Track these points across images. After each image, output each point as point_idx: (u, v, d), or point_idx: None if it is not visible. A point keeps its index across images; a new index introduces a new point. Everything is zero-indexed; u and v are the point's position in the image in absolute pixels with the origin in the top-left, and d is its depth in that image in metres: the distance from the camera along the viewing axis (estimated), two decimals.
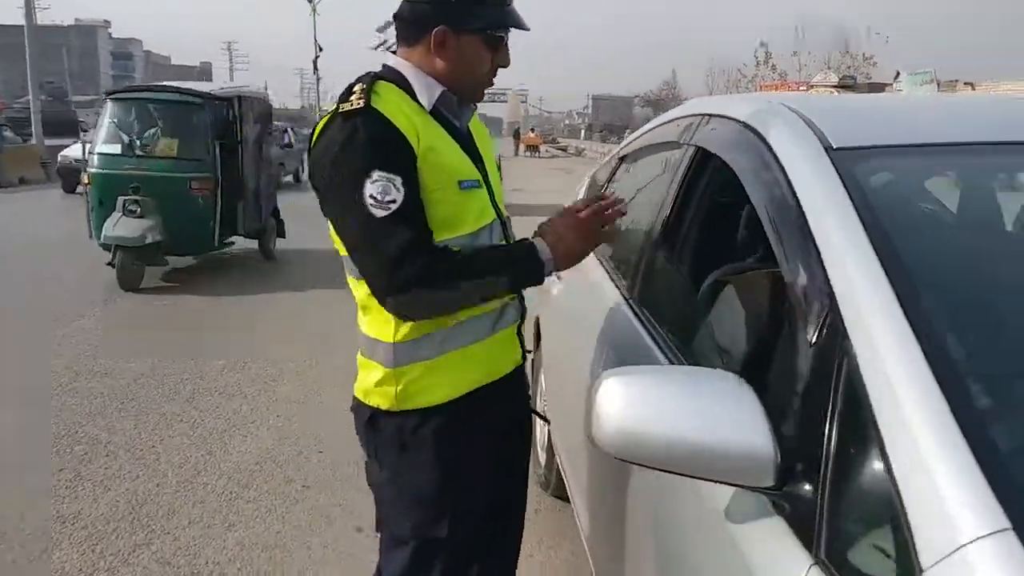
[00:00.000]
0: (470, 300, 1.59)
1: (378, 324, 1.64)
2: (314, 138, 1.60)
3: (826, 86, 32.50)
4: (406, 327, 1.60)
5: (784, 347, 1.20)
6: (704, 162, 1.87)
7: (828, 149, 1.35)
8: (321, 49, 41.23)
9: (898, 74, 27.04)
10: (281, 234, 9.47)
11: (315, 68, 44.06)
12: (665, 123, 2.29)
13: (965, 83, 25.32)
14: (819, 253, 1.18)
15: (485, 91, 1.73)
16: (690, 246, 1.89)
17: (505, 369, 1.73)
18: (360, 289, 1.64)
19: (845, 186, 1.25)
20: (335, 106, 1.58)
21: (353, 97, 1.54)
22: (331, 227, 1.61)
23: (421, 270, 1.48)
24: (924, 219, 1.51)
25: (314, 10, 40.95)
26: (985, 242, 1.47)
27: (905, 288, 1.05)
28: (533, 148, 43.93)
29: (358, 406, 1.74)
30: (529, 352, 1.84)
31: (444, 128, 1.63)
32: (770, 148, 1.45)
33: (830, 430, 1.00)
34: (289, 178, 19.68)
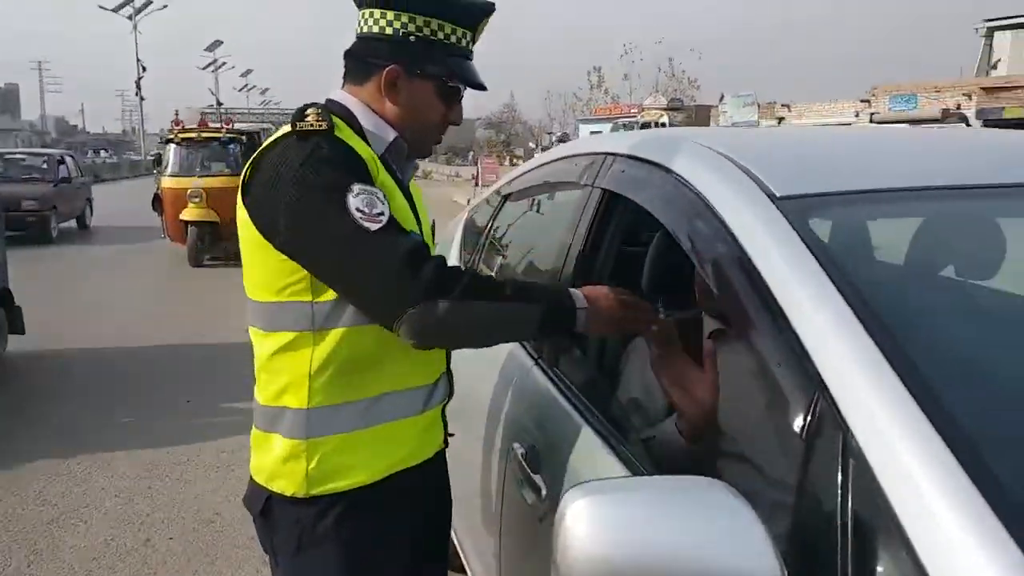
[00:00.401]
0: (495, 332, 1.39)
1: (287, 386, 1.38)
2: (250, 169, 1.36)
3: (657, 108, 34.46)
4: (323, 391, 1.36)
5: (762, 434, 1.05)
6: (614, 207, 1.72)
7: (773, 198, 1.22)
8: (145, 69, 38.83)
9: (723, 97, 29.08)
10: (17, 329, 6.03)
11: (138, 89, 41.43)
12: (557, 160, 2.13)
13: (782, 104, 27.63)
14: (787, 318, 1.04)
15: (432, 148, 1.56)
16: None
17: (428, 452, 1.51)
18: (267, 342, 1.39)
19: (803, 240, 1.12)
20: (282, 130, 1.39)
21: (310, 118, 1.35)
22: (249, 269, 1.39)
23: (444, 278, 1.27)
24: (891, 272, 1.42)
25: (135, 27, 38.51)
26: (958, 293, 1.40)
27: (896, 355, 0.92)
28: None
29: (253, 492, 1.46)
30: (452, 435, 1.61)
31: (394, 179, 1.44)
32: (701, 198, 1.30)
33: (844, 544, 0.84)
34: (71, 223, 15.32)
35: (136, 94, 42.62)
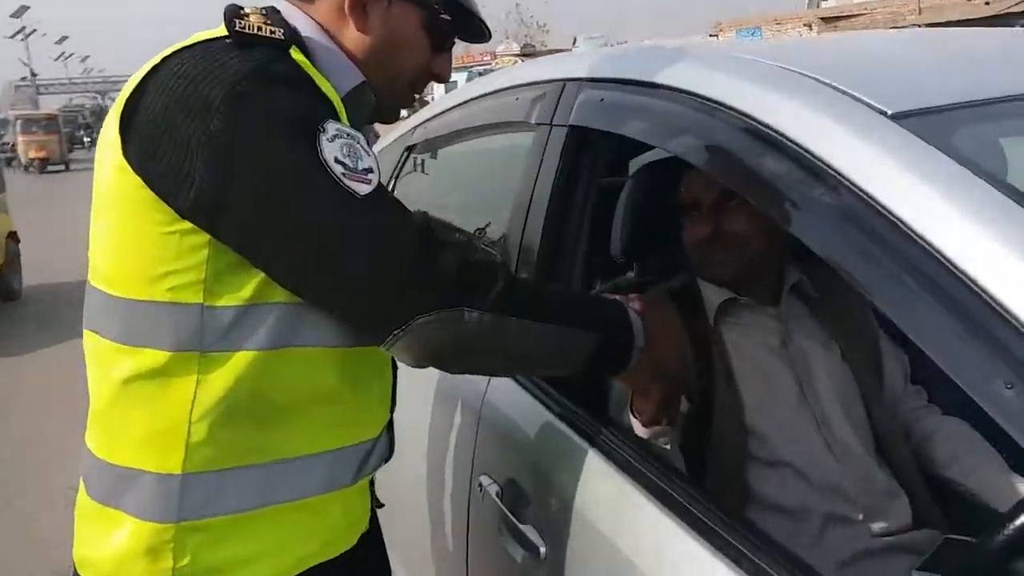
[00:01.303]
0: (527, 361, 1.00)
1: (150, 436, 0.88)
2: (134, 94, 0.86)
3: (510, 55, 34.03)
4: (207, 448, 0.87)
5: None
6: (587, 151, 1.27)
7: (888, 117, 0.82)
8: None
9: (575, 40, 29.02)
10: None
11: None
12: (483, 97, 1.65)
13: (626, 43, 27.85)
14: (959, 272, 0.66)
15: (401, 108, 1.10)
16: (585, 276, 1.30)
17: (354, 537, 1.02)
18: (124, 364, 0.88)
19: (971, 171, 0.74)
20: (194, 38, 0.90)
21: (252, 18, 0.88)
22: (108, 245, 0.89)
23: (471, 276, 0.87)
24: None
25: None
26: None
27: None
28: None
29: None
30: (381, 506, 1.14)
31: None
32: (772, 130, 0.89)
33: None
34: None
35: None
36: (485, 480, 1.25)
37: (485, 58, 38.52)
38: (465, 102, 1.73)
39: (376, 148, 1.22)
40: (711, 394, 1.24)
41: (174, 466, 0.87)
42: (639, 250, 1.50)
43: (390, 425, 1.06)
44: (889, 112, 0.84)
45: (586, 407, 1.17)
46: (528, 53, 34.36)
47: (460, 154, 1.84)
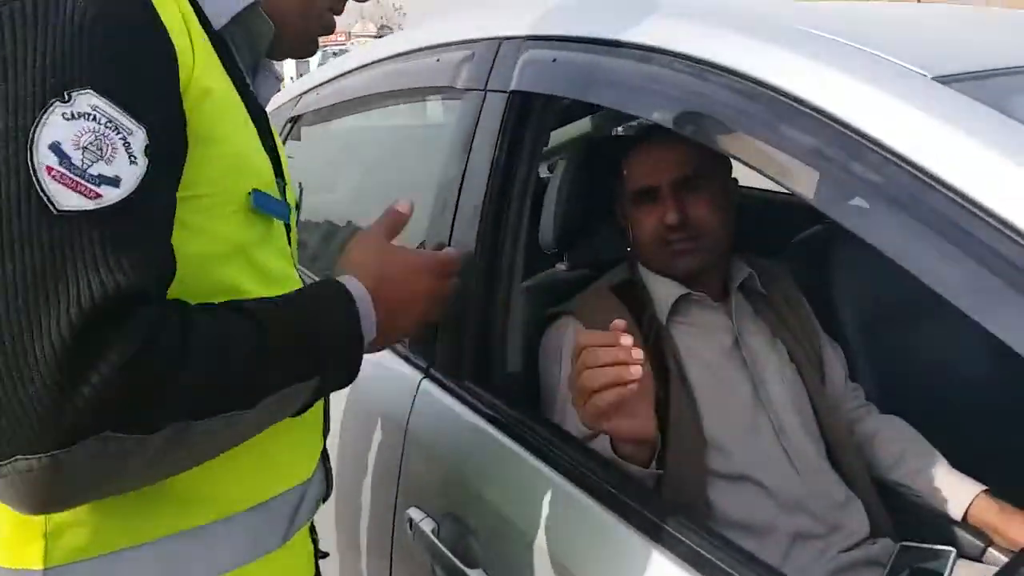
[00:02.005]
0: (221, 440, 0.64)
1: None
2: None
3: (366, 36, 33.14)
4: (78, 531, 0.63)
5: None
6: (536, 122, 1.09)
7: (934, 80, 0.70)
8: None
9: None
10: None
11: None
12: (393, 58, 1.41)
13: None
14: None
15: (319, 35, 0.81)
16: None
17: None
18: None
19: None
20: None
21: None
22: None
23: (139, 368, 0.53)
24: None
25: None
26: None
27: None
28: None
29: None
30: (325, 556, 0.91)
31: (235, 85, 0.69)
32: (794, 98, 0.74)
33: None
34: None
35: None
36: (415, 514, 1.04)
37: (339, 38, 37.20)
38: (366, 65, 1.48)
39: (272, 103, 0.95)
40: (664, 402, 1.10)
41: (33, 561, 0.62)
42: (572, 239, 1.34)
43: (324, 456, 0.83)
44: (930, 76, 0.71)
45: (544, 422, 0.99)
46: (384, 36, 33.59)
47: (359, 128, 1.59)
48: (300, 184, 0.90)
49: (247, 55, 0.73)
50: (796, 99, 0.74)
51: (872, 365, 1.46)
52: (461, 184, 1.13)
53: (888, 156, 0.67)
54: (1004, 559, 1.07)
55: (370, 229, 0.85)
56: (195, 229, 0.62)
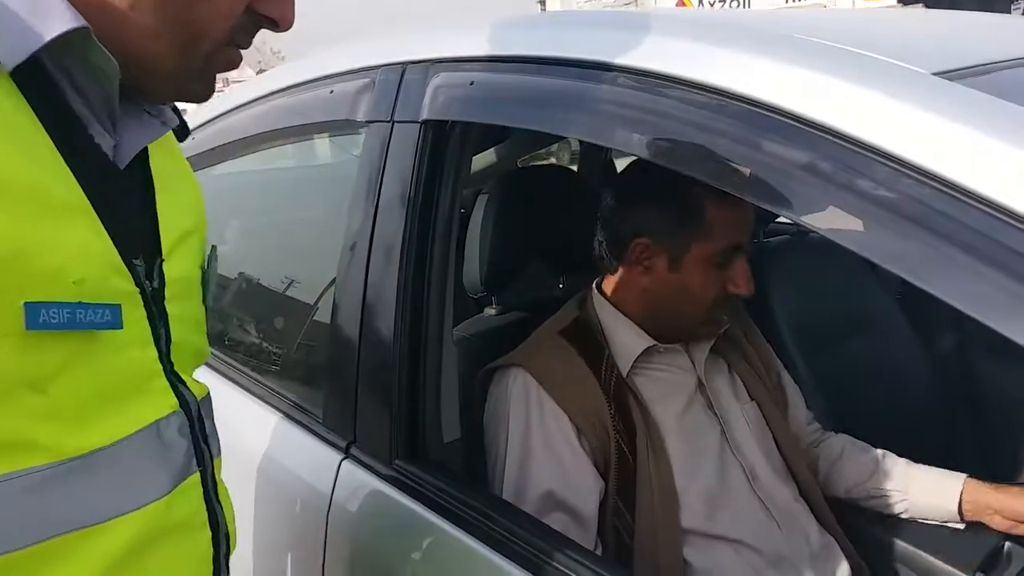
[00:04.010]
0: None
1: None
2: None
3: (244, 80, 32.43)
4: None
5: None
6: (456, 152, 0.95)
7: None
8: None
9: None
10: None
11: None
12: (283, 91, 1.25)
13: None
14: None
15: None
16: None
17: None
18: None
19: None
20: None
21: None
22: None
23: None
24: None
25: None
26: None
27: None
28: None
29: None
30: None
31: (51, 136, 0.51)
32: (785, 113, 0.64)
33: None
34: None
35: None
36: None
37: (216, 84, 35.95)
38: (251, 102, 1.32)
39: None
40: (632, 456, 0.98)
41: None
42: (503, 280, 1.21)
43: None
44: (930, 72, 0.62)
45: (498, 503, 0.85)
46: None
47: (247, 172, 1.41)
48: (213, 247, 0.73)
49: (97, 99, 0.56)
50: (771, 108, 0.64)
51: (817, 383, 1.39)
52: (373, 227, 0.98)
53: (899, 167, 0.57)
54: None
55: None
56: None
